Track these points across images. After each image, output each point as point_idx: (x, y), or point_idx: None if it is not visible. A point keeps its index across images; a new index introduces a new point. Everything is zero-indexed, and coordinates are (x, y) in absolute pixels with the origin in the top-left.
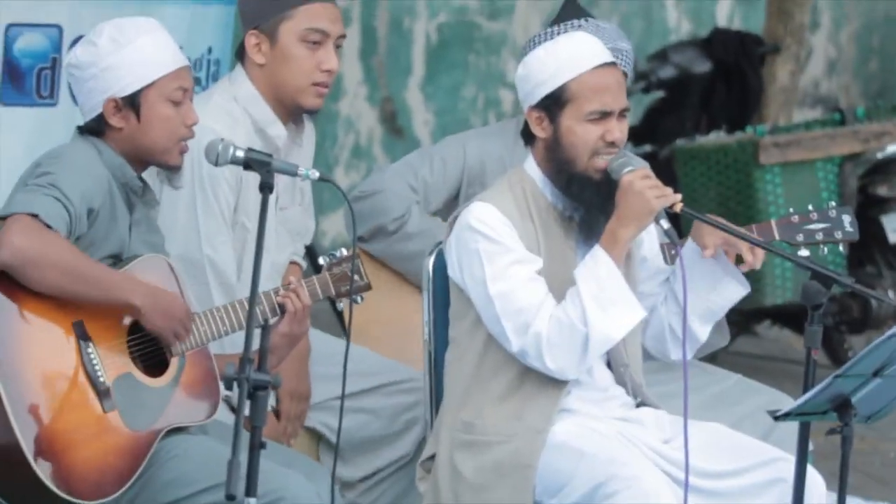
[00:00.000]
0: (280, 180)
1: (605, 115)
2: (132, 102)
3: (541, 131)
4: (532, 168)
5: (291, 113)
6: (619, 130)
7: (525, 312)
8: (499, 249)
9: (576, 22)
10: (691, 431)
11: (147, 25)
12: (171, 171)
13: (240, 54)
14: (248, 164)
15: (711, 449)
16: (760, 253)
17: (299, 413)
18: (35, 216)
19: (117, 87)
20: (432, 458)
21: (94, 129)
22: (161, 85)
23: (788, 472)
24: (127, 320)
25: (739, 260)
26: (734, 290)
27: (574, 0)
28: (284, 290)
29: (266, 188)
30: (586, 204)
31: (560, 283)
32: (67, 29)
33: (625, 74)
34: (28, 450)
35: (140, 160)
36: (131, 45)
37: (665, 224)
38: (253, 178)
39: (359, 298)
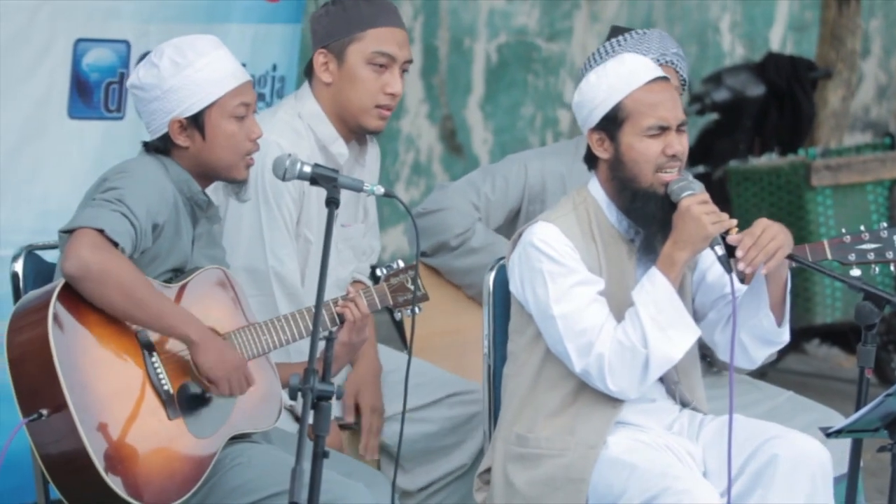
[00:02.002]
0: (342, 197)
1: (663, 129)
2: (196, 122)
3: (603, 152)
4: (596, 189)
5: (354, 132)
6: (679, 143)
7: (588, 333)
8: (562, 270)
9: (619, 38)
10: (711, 430)
11: (207, 45)
12: (238, 184)
13: (308, 72)
14: (314, 180)
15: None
16: (755, 261)
17: (378, 427)
18: (101, 231)
19: (181, 108)
20: (489, 470)
21: (161, 147)
22: (223, 103)
23: (781, 449)
24: None
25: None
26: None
27: (619, 31)
28: (343, 300)
29: (332, 203)
30: (647, 219)
31: (620, 303)
32: (135, 44)
33: (682, 82)
34: (97, 459)
35: (206, 176)
36: (191, 66)
37: (719, 250)
38: (315, 192)
39: (417, 309)
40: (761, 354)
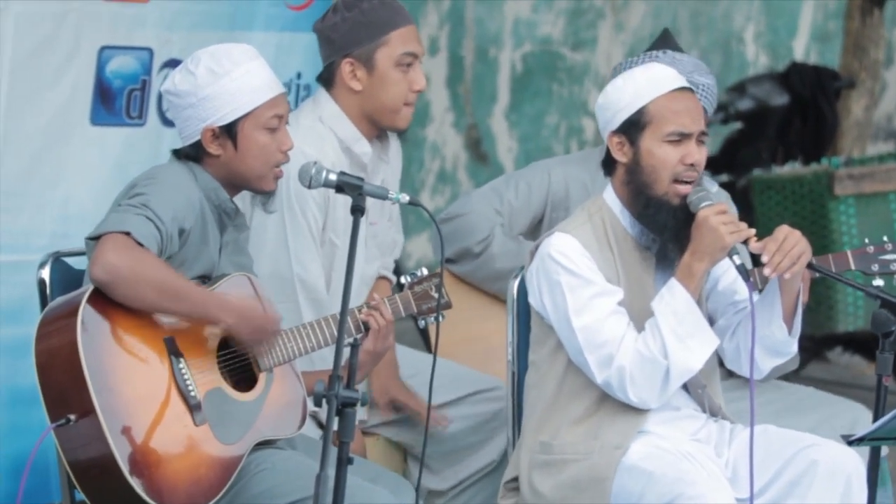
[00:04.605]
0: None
1: (683, 137)
2: (229, 131)
3: (622, 156)
4: (611, 197)
5: (378, 131)
6: (697, 153)
7: (608, 345)
8: (580, 282)
9: (654, 53)
10: (742, 439)
11: (244, 55)
12: (266, 195)
13: (324, 79)
14: (340, 188)
15: (756, 455)
16: (781, 266)
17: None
18: (127, 234)
19: (215, 116)
20: (515, 479)
21: (192, 154)
22: (257, 114)
23: (819, 455)
24: (215, 338)
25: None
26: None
27: (668, 33)
28: (367, 309)
29: (358, 211)
30: (660, 227)
31: (639, 312)
32: (157, 52)
33: (705, 110)
34: (124, 464)
35: (234, 185)
36: (228, 76)
37: (737, 260)
38: (341, 197)
39: (441, 316)
40: (769, 364)
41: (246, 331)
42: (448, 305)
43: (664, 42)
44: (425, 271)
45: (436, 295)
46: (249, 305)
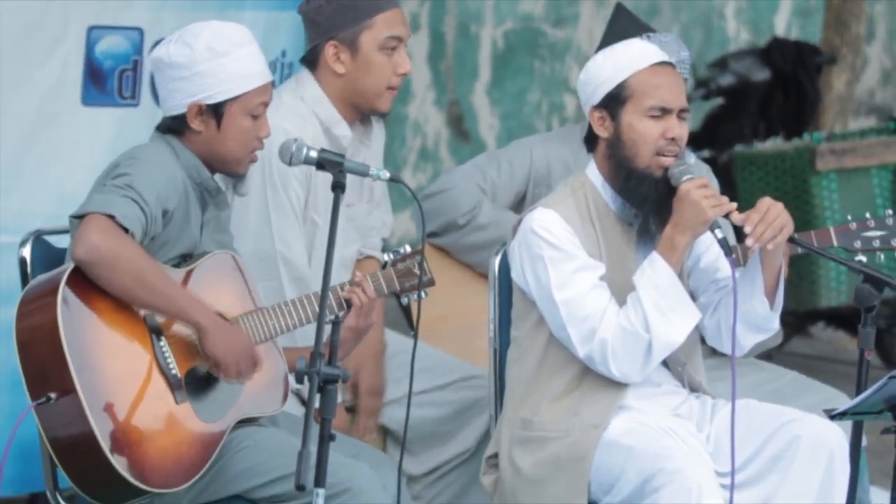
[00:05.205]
0: (348, 179)
1: (664, 112)
2: (216, 111)
3: (603, 130)
4: (593, 173)
5: (360, 115)
6: (678, 128)
7: (590, 319)
8: (562, 256)
9: (648, 35)
10: (724, 415)
11: (242, 37)
12: (237, 178)
13: (307, 60)
14: (320, 164)
15: (738, 430)
16: (763, 236)
17: (375, 409)
18: (111, 217)
19: (205, 94)
20: (496, 454)
21: (173, 127)
22: (246, 99)
23: (802, 430)
24: None
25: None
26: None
27: (623, 8)
28: (350, 286)
29: (338, 188)
30: (641, 200)
31: (621, 287)
32: (148, 32)
33: (693, 87)
34: (105, 442)
35: (209, 165)
36: (226, 56)
37: (719, 234)
38: (322, 176)
39: (423, 293)
40: (751, 340)
41: (219, 340)
42: (431, 283)
43: (625, 17)
44: (408, 248)
45: (419, 272)
46: (227, 322)
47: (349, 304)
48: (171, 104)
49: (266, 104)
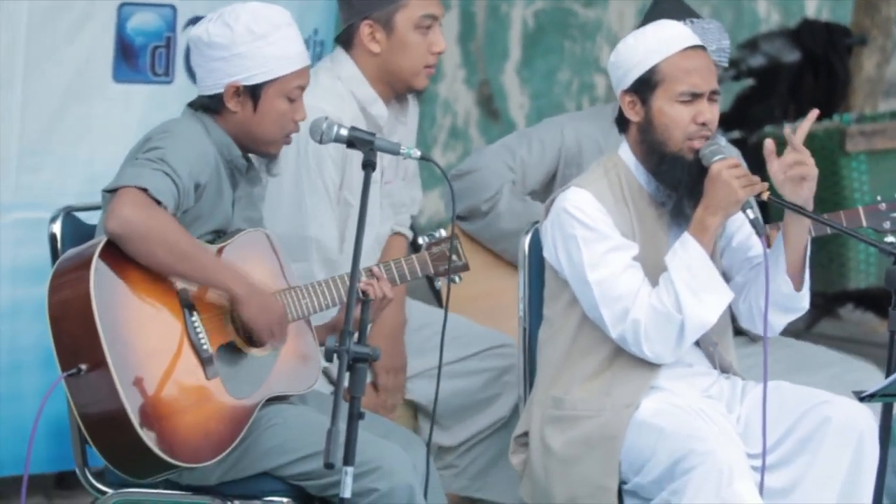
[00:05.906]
0: (385, 156)
1: (695, 97)
2: (253, 92)
3: (634, 115)
4: (626, 153)
5: (396, 93)
6: (709, 112)
7: (623, 300)
8: (595, 236)
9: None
10: (754, 396)
11: (282, 19)
12: (270, 159)
13: (342, 40)
14: (351, 143)
15: (769, 411)
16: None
17: (397, 385)
18: (144, 190)
19: (243, 75)
20: (526, 434)
21: (209, 106)
22: (284, 82)
23: (832, 411)
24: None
25: None
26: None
27: None
28: (367, 279)
29: (369, 166)
30: (675, 183)
31: (653, 267)
32: (181, 9)
33: (724, 69)
34: (134, 416)
35: (244, 146)
36: (265, 38)
37: (751, 214)
38: (357, 156)
39: (456, 278)
40: (781, 321)
41: (253, 307)
42: (465, 267)
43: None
44: (443, 232)
45: (453, 257)
46: (261, 287)
47: (366, 294)
48: (209, 83)
49: (303, 87)
